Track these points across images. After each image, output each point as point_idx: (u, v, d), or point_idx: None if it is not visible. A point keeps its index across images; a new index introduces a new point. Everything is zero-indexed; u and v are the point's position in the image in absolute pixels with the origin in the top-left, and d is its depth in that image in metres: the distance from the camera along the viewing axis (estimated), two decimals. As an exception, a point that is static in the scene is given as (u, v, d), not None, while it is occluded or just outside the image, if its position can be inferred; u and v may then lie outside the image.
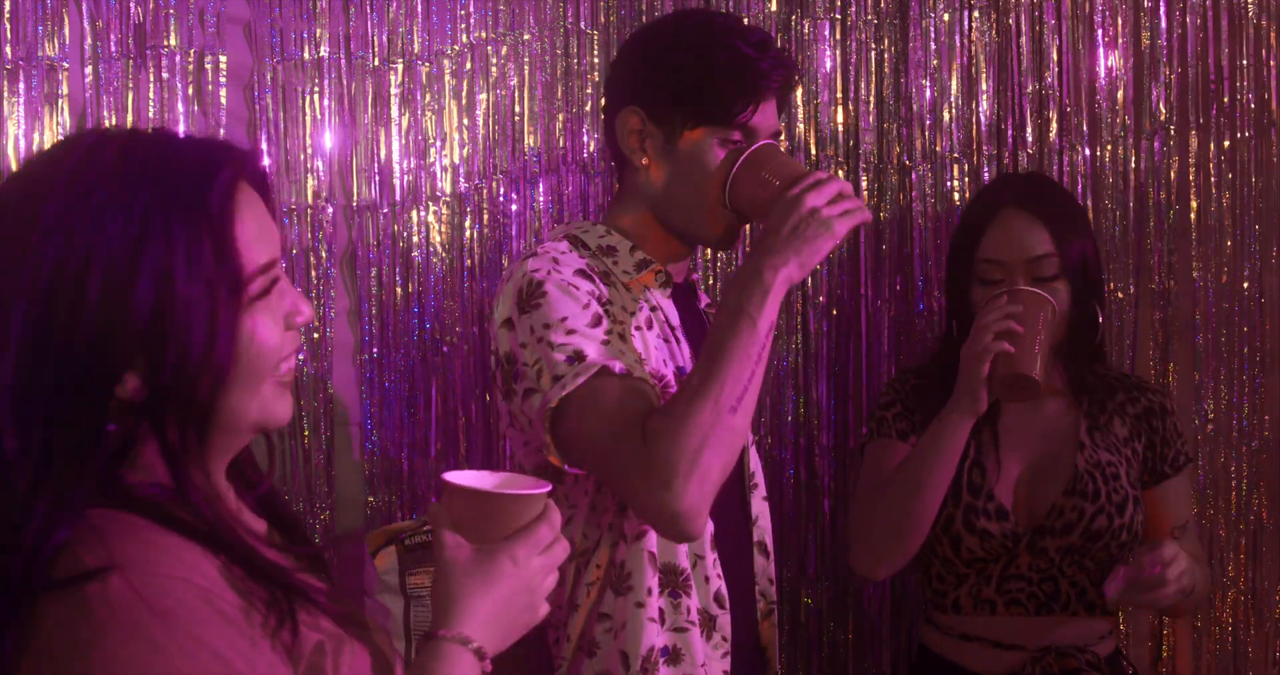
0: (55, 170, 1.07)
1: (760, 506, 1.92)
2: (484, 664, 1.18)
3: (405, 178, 2.44)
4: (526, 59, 2.49)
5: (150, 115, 2.26)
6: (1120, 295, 2.51)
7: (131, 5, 2.24)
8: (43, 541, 1.01)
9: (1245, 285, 2.46)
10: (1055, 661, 2.01)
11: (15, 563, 1.00)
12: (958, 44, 2.56)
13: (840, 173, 2.62)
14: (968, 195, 2.56)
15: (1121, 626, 2.43)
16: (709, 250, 2.48)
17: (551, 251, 1.73)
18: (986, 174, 2.55)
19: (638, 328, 1.74)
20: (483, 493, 1.22)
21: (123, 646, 0.98)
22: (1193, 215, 2.48)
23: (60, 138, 2.18)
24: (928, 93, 2.58)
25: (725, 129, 1.76)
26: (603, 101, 1.88)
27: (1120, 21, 2.48)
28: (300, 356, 2.37)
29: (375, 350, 2.44)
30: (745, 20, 2.45)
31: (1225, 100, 2.45)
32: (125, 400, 1.06)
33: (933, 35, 2.57)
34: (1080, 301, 2.08)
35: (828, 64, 2.60)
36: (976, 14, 2.55)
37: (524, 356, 1.66)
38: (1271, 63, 2.43)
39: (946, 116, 2.58)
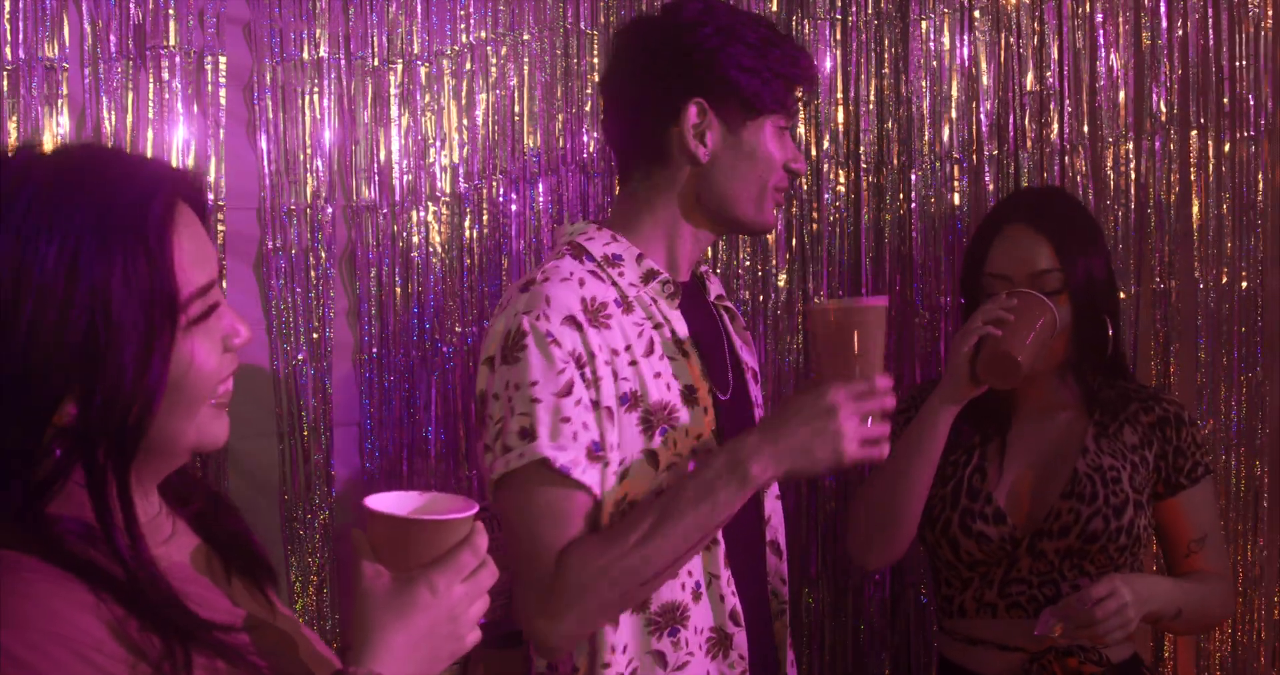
0: None
1: (773, 506, 1.93)
2: None
3: (405, 178, 2.44)
4: (526, 59, 2.49)
5: (150, 115, 2.25)
6: (1121, 295, 2.50)
7: (131, 6, 2.24)
8: None
9: (1245, 285, 2.46)
10: (1055, 660, 2.01)
11: None
12: (958, 44, 2.56)
13: (840, 173, 2.62)
14: (968, 195, 2.56)
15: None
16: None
17: (547, 287, 1.70)
18: (987, 174, 2.55)
19: (632, 362, 1.72)
20: (400, 519, 1.17)
21: None
22: (1193, 215, 2.48)
23: (59, 139, 2.18)
24: (928, 93, 2.58)
25: (782, 116, 1.81)
26: (623, 97, 1.84)
27: (1120, 21, 2.48)
28: (300, 356, 2.37)
29: (375, 350, 2.44)
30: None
31: (1225, 100, 2.45)
32: (62, 427, 1.04)
33: (933, 35, 2.57)
34: (1086, 316, 2.07)
35: (828, 64, 2.60)
36: (976, 14, 2.55)
37: (492, 408, 1.69)
38: (1271, 63, 2.43)
39: (946, 116, 2.57)
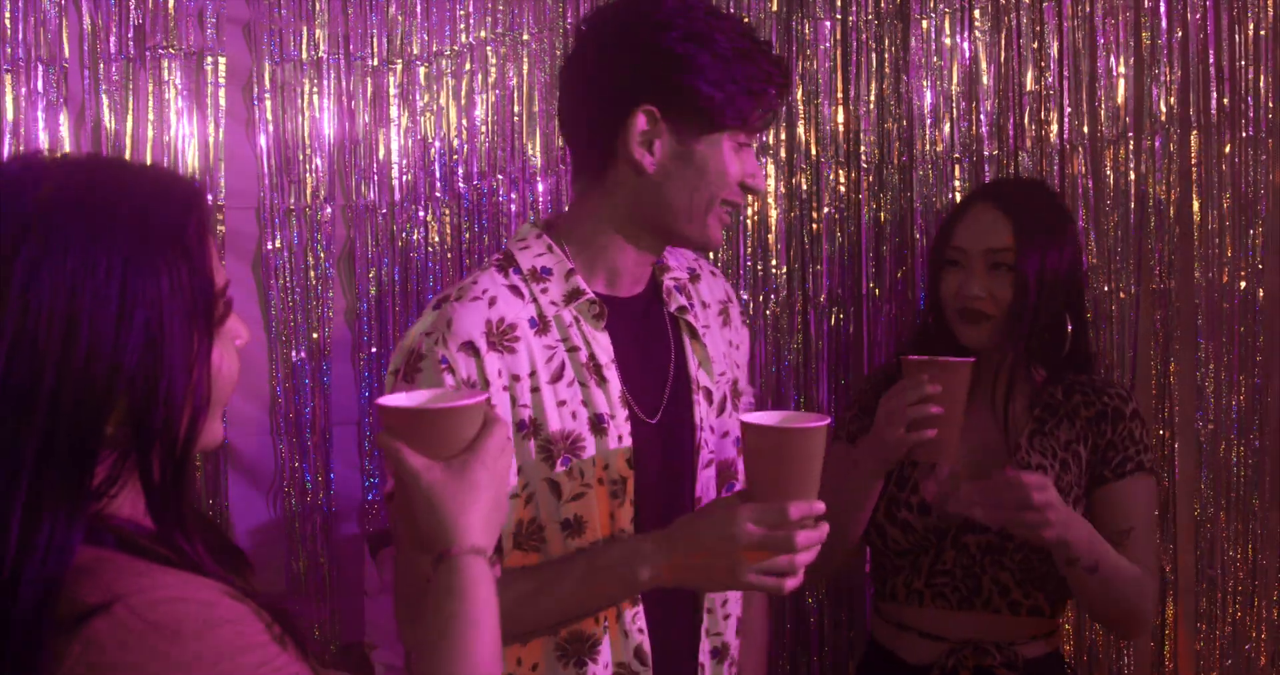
0: (20, 206, 1.05)
1: None
2: (496, 569, 1.25)
3: (404, 178, 2.44)
4: (526, 59, 2.50)
5: (150, 115, 2.26)
6: (1121, 295, 2.50)
7: (131, 6, 2.24)
8: (46, 584, 1.01)
9: (1245, 285, 2.46)
10: (971, 655, 2.05)
11: (17, 607, 1.01)
12: (958, 44, 2.56)
13: (840, 173, 2.62)
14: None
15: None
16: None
17: (455, 308, 1.66)
18: (987, 174, 2.55)
19: (535, 389, 1.66)
20: (436, 410, 1.27)
21: (143, 671, 0.99)
22: (1193, 215, 2.48)
23: (59, 139, 2.18)
24: (928, 93, 2.58)
25: (740, 133, 1.70)
26: (575, 92, 1.74)
27: (1120, 21, 2.48)
28: (300, 356, 2.38)
29: (373, 349, 2.44)
30: (745, 19, 2.45)
31: (1225, 100, 2.45)
32: (111, 437, 1.06)
33: (933, 35, 2.57)
34: (1033, 305, 2.07)
35: (828, 64, 2.60)
36: (976, 14, 2.55)
37: None
38: (1271, 63, 2.42)
39: (946, 116, 2.57)
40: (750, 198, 2.47)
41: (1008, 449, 2.11)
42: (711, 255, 2.54)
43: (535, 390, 1.67)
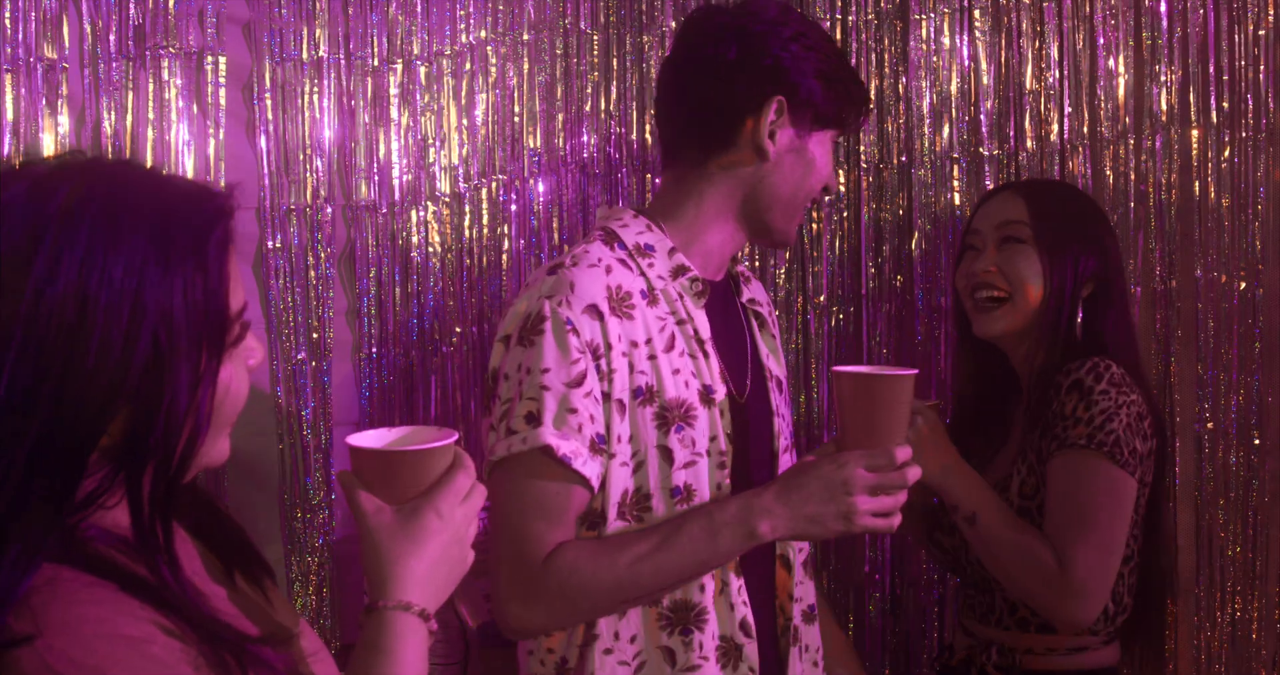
0: (42, 208, 1.03)
1: None
2: (430, 624, 1.17)
3: (405, 178, 2.44)
4: (526, 59, 2.50)
5: (150, 115, 2.26)
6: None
7: (131, 6, 2.24)
8: (7, 595, 0.98)
9: (1244, 285, 2.46)
10: (980, 652, 2.07)
11: None
12: (958, 44, 2.56)
13: (840, 173, 2.62)
14: (968, 195, 2.56)
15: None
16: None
17: (574, 273, 1.70)
18: (987, 174, 2.55)
19: (651, 356, 1.71)
20: (393, 452, 1.21)
21: None
22: (1194, 215, 2.48)
23: (59, 139, 2.18)
24: (928, 93, 2.58)
25: (840, 132, 1.85)
26: (697, 83, 1.79)
27: (1120, 21, 2.48)
28: (300, 356, 2.38)
29: (374, 350, 2.44)
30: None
31: (1225, 100, 2.45)
32: (105, 449, 1.04)
33: (933, 35, 2.57)
34: (1061, 284, 2.04)
35: (827, 64, 2.60)
36: (976, 14, 2.55)
37: (502, 388, 1.69)
38: (1271, 63, 2.42)
39: (946, 116, 2.57)
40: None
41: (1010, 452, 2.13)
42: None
43: (652, 358, 1.72)
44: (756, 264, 2.60)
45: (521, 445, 1.64)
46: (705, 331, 1.78)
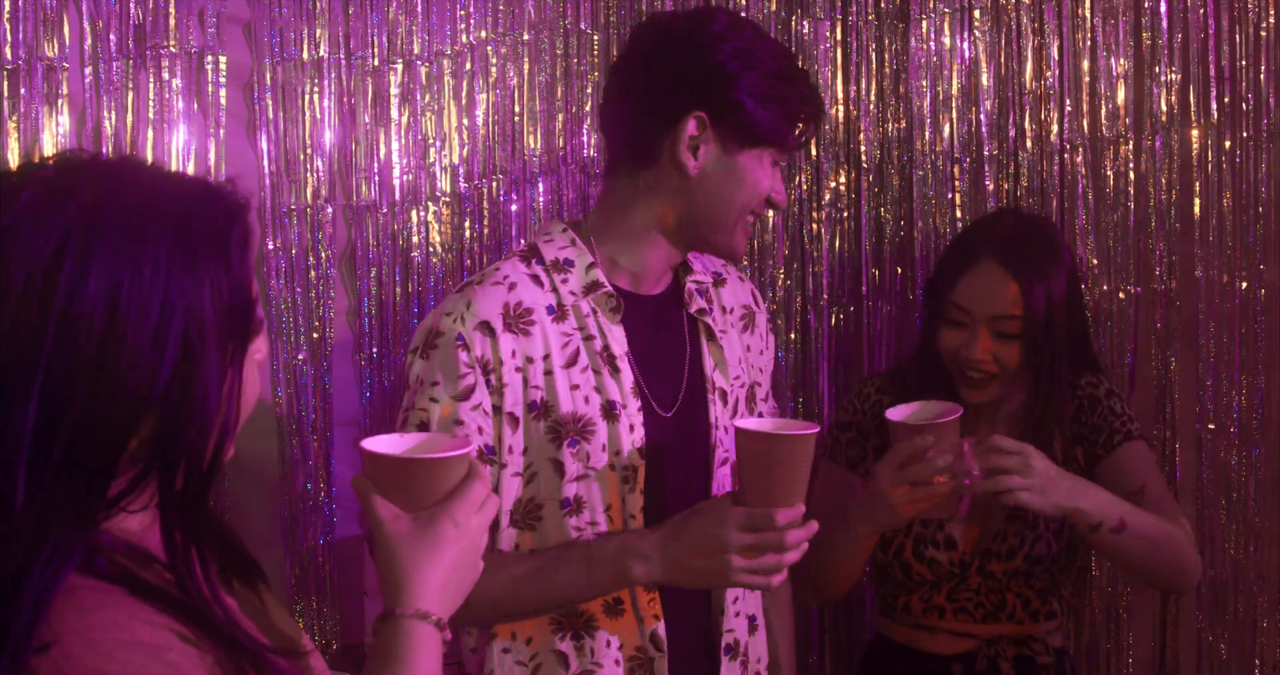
0: (62, 211, 1.02)
1: None
2: (444, 633, 1.17)
3: (405, 178, 2.44)
4: (526, 59, 2.49)
5: (150, 115, 2.25)
6: (1121, 295, 2.51)
7: (131, 5, 2.24)
8: (44, 595, 0.98)
9: (1245, 285, 2.46)
10: (1009, 645, 2.08)
11: (14, 622, 0.97)
12: (958, 44, 2.56)
13: (840, 173, 2.62)
14: (968, 195, 2.56)
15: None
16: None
17: (475, 291, 1.74)
18: (987, 174, 2.55)
19: (548, 372, 1.73)
20: (413, 459, 1.21)
21: None
22: (1194, 215, 2.48)
23: (59, 139, 2.18)
24: (928, 93, 2.58)
25: (779, 151, 1.79)
26: (627, 92, 1.80)
27: (1120, 21, 2.48)
28: (300, 356, 2.37)
29: (374, 350, 2.44)
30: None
31: (1225, 100, 2.45)
32: (134, 452, 1.03)
33: (933, 35, 2.57)
34: (1041, 355, 2.06)
35: (828, 64, 2.60)
36: (976, 14, 2.55)
37: (406, 394, 1.76)
38: (1271, 63, 2.42)
39: (946, 116, 2.57)
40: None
41: None
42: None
43: (548, 373, 1.74)
44: (757, 265, 2.60)
45: None
46: (619, 347, 1.77)
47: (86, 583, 1.01)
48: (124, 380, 1.00)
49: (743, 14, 2.52)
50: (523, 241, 2.50)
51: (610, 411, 1.74)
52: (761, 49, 1.76)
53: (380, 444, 1.24)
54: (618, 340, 1.77)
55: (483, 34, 2.47)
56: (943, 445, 1.83)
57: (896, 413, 1.87)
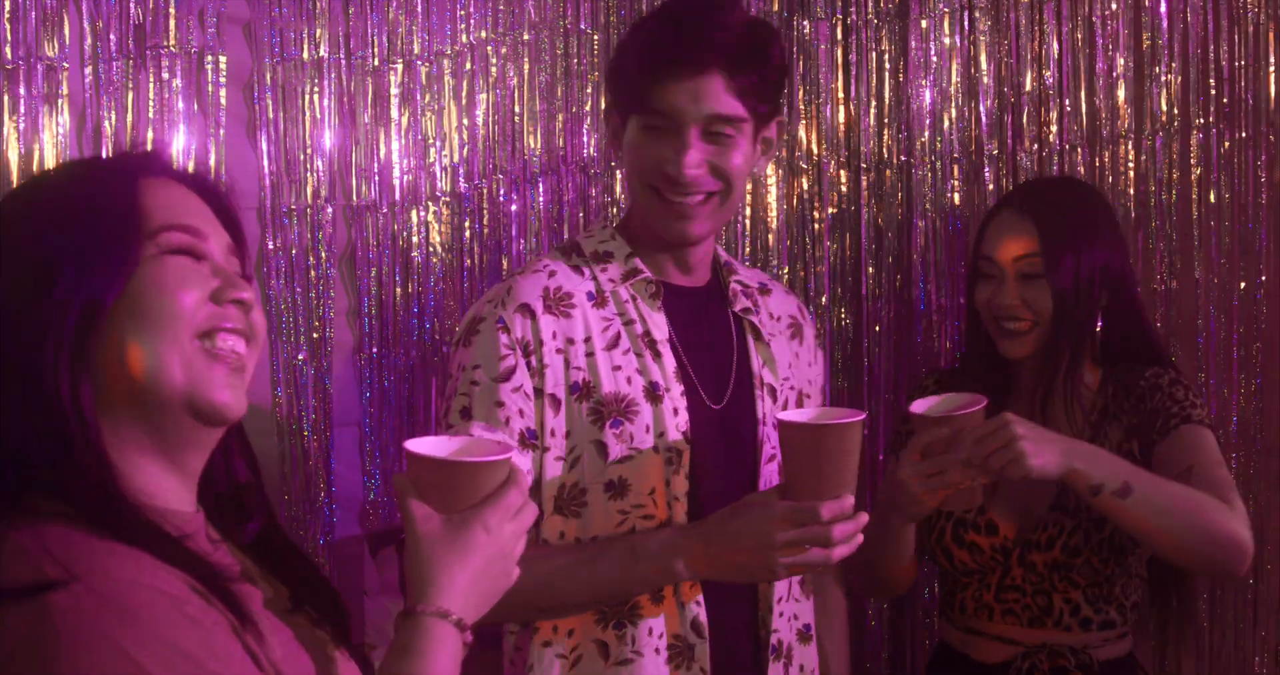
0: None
1: None
2: (465, 635, 1.18)
3: (405, 178, 2.44)
4: (526, 59, 2.49)
5: (150, 115, 2.25)
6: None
7: (131, 5, 2.24)
8: None
9: (1245, 285, 2.46)
10: (1046, 657, 2.03)
11: None
12: (958, 44, 2.56)
13: (840, 173, 2.62)
14: (968, 195, 2.56)
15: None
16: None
17: (517, 279, 1.76)
18: (987, 174, 2.55)
19: (590, 354, 1.73)
20: (450, 462, 1.22)
21: (87, 653, 0.95)
22: (1194, 215, 2.48)
23: (59, 139, 2.18)
24: (928, 92, 2.58)
25: (640, 114, 1.71)
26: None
27: (1120, 21, 2.48)
28: (300, 356, 2.37)
29: (375, 350, 2.44)
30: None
31: (1225, 100, 2.45)
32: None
33: (933, 35, 2.57)
34: (1074, 310, 2.04)
35: (828, 64, 2.60)
36: (977, 14, 2.55)
37: (447, 386, 1.76)
38: (1271, 63, 2.42)
39: (946, 116, 2.57)
40: (747, 197, 2.50)
41: None
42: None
43: (590, 355, 1.74)
44: (758, 265, 2.60)
45: None
46: (659, 332, 1.78)
47: (90, 537, 1.02)
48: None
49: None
50: (521, 241, 2.50)
51: (653, 392, 1.74)
52: (658, 14, 1.77)
53: (423, 445, 1.26)
54: (658, 325, 1.78)
55: (483, 34, 2.47)
56: (964, 437, 1.81)
57: (919, 405, 1.86)
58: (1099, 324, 2.09)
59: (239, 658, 1.02)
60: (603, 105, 1.85)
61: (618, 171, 2.54)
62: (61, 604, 0.96)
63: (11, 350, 1.06)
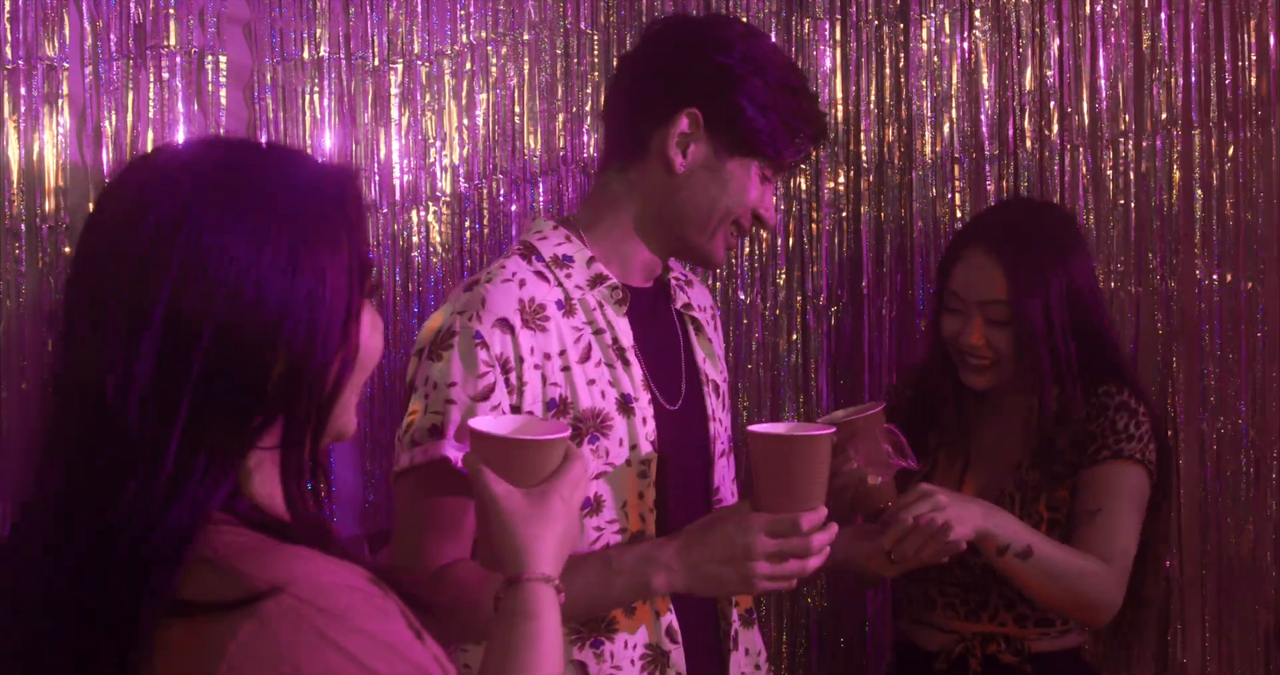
0: (179, 188, 1.05)
1: None
2: (561, 596, 1.28)
3: (405, 178, 2.44)
4: (526, 59, 2.50)
5: (150, 115, 2.25)
6: (1122, 295, 2.50)
7: (131, 5, 2.24)
8: (180, 548, 0.99)
9: (1245, 285, 2.46)
10: (979, 645, 2.09)
11: (146, 572, 0.99)
12: (958, 44, 2.56)
13: (840, 173, 2.62)
14: (968, 195, 2.56)
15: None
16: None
17: (487, 288, 1.69)
18: (987, 174, 2.55)
19: (565, 368, 1.69)
20: (524, 441, 1.33)
21: (309, 656, 0.97)
22: (1194, 215, 2.48)
23: (59, 139, 2.18)
24: (928, 93, 2.58)
25: (770, 165, 1.76)
26: (628, 85, 1.80)
27: (1120, 21, 2.48)
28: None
29: (375, 350, 2.44)
30: (744, 19, 2.46)
31: (1225, 100, 2.45)
32: (269, 392, 1.05)
33: (933, 35, 2.57)
34: (1038, 345, 2.05)
35: (827, 64, 2.60)
36: (977, 14, 2.55)
37: (412, 398, 1.69)
38: (1271, 63, 2.43)
39: (946, 116, 2.57)
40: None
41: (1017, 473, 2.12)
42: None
43: (566, 369, 1.70)
44: (757, 265, 2.60)
45: (422, 457, 1.63)
46: (626, 339, 1.75)
47: (275, 543, 1.03)
48: (257, 308, 1.03)
49: (743, 13, 2.53)
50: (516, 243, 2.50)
51: (625, 405, 1.72)
52: (773, 61, 1.74)
53: (488, 425, 1.37)
54: (624, 332, 1.75)
55: (483, 34, 2.47)
56: (860, 442, 1.85)
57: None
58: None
59: (417, 645, 1.05)
60: (642, 103, 1.74)
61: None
62: (276, 611, 0.98)
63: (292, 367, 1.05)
